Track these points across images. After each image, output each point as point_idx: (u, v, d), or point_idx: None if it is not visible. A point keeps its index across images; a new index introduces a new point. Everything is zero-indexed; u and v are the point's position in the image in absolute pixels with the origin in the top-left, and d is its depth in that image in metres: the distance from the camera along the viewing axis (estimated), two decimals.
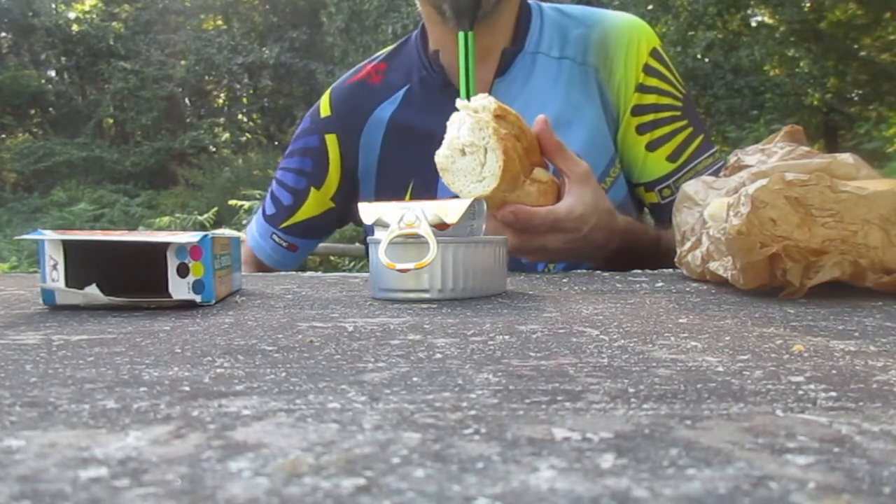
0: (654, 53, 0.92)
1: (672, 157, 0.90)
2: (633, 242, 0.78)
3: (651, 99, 0.91)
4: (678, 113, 0.92)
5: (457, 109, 0.68)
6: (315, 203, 0.97)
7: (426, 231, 0.46)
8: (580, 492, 0.15)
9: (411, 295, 0.49)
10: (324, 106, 0.97)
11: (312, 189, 0.97)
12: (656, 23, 6.64)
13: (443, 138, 0.67)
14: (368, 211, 0.52)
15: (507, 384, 0.24)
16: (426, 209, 0.48)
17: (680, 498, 0.14)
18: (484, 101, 0.67)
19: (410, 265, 0.45)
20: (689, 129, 0.92)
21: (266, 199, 1.01)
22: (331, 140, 0.96)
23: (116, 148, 11.63)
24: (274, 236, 0.99)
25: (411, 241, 0.48)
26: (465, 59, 0.81)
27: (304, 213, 0.98)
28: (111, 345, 0.33)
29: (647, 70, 0.91)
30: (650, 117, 0.91)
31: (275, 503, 0.14)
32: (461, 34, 0.81)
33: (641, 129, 0.91)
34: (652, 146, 0.91)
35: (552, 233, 0.68)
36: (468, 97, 0.80)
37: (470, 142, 0.65)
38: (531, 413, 0.21)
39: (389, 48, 1.01)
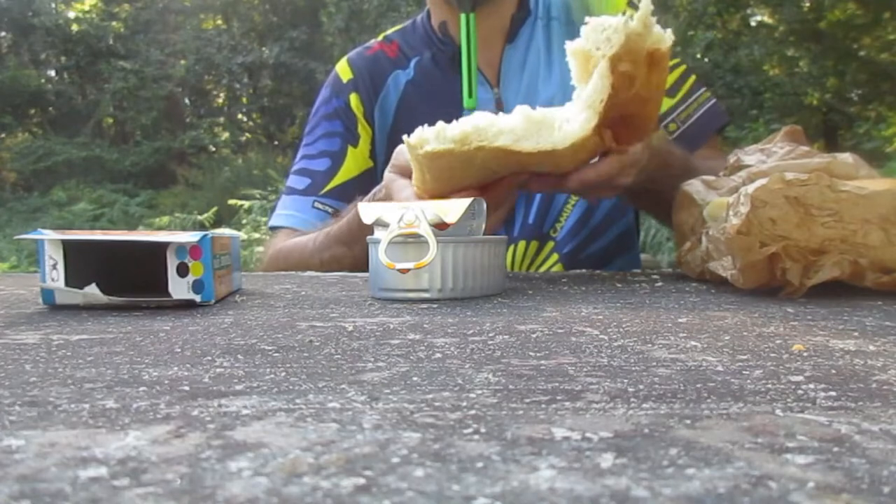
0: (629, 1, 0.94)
1: (671, 93, 0.91)
2: (667, 157, 0.74)
3: None
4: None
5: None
6: (354, 162, 0.94)
7: (426, 231, 0.46)
8: (580, 491, 0.15)
9: (411, 295, 0.49)
10: (343, 71, 0.98)
11: (350, 147, 0.94)
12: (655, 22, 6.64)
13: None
14: (368, 211, 0.52)
15: (506, 384, 0.24)
16: (426, 209, 0.48)
17: (679, 497, 0.14)
18: (659, 33, 0.53)
19: (410, 265, 0.45)
20: (683, 66, 0.93)
21: (291, 183, 0.96)
22: (354, 99, 0.96)
23: (116, 147, 11.61)
24: (317, 204, 0.92)
25: (411, 240, 0.48)
26: (468, 40, 0.81)
27: (344, 174, 0.93)
28: (111, 344, 0.33)
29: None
30: None
31: (274, 503, 0.14)
32: (462, 16, 0.81)
33: None
34: None
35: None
36: (469, 79, 0.79)
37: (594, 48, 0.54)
38: (531, 413, 0.21)
39: (394, 29, 1.02)
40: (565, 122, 0.54)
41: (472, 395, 0.23)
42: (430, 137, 0.56)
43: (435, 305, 0.46)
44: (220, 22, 13.44)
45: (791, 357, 0.28)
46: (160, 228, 5.36)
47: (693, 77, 0.93)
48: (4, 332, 0.37)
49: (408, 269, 0.46)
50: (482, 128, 0.54)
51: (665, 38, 0.53)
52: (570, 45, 0.57)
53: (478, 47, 0.83)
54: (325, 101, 0.98)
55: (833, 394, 0.22)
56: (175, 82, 12.18)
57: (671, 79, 0.91)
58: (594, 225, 0.94)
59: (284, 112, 12.32)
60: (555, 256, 0.94)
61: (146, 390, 0.24)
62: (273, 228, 0.98)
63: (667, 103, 0.91)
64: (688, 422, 0.20)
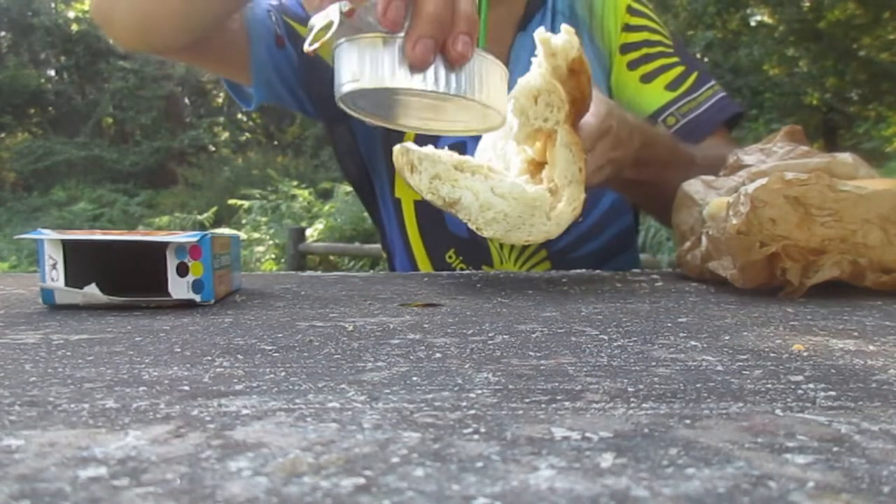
0: None
1: (671, 87, 0.90)
2: (652, 137, 0.74)
3: (640, 36, 0.91)
4: (670, 50, 0.92)
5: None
6: None
7: (334, 17, 0.45)
8: (580, 491, 0.15)
9: (352, 86, 0.46)
10: None
11: None
12: None
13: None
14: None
15: (506, 384, 0.24)
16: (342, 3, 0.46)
17: (679, 497, 0.14)
18: (565, 44, 0.53)
19: (316, 44, 0.45)
20: (683, 66, 0.91)
21: None
22: None
23: (116, 147, 11.61)
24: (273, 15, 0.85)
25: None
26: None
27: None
28: (111, 344, 0.33)
29: (631, 11, 0.92)
30: (641, 52, 0.91)
31: (274, 503, 0.14)
32: None
33: (632, 65, 0.91)
34: (646, 79, 0.90)
35: (602, 141, 0.63)
36: None
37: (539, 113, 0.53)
38: (531, 412, 0.21)
39: None
40: (555, 204, 0.52)
41: (472, 395, 0.23)
42: (420, 156, 0.54)
43: (435, 307, 0.46)
44: None
45: (791, 357, 0.28)
46: (160, 228, 5.36)
47: (695, 74, 0.92)
48: (4, 332, 0.37)
49: (314, 49, 0.45)
50: (469, 207, 0.51)
51: (571, 44, 0.54)
52: (515, 139, 0.56)
53: (486, 34, 0.82)
54: None
55: (833, 394, 0.22)
56: (175, 82, 12.17)
57: (671, 76, 0.90)
58: (589, 225, 0.93)
59: (284, 112, 12.30)
60: (543, 253, 0.93)
61: (146, 390, 0.24)
62: None
63: (666, 96, 0.90)
64: (688, 422, 0.20)
